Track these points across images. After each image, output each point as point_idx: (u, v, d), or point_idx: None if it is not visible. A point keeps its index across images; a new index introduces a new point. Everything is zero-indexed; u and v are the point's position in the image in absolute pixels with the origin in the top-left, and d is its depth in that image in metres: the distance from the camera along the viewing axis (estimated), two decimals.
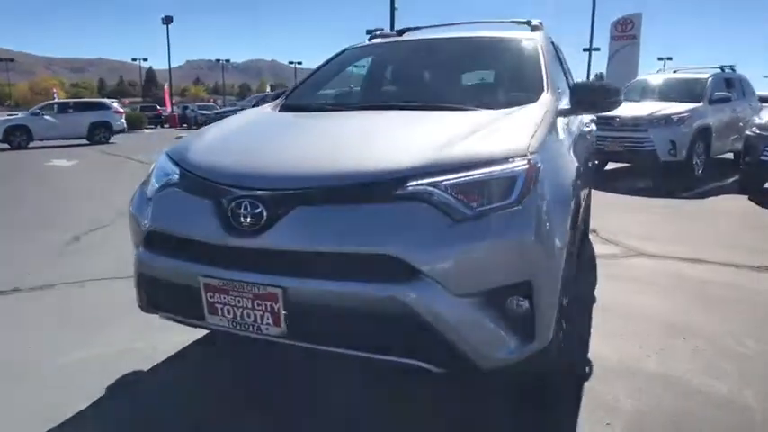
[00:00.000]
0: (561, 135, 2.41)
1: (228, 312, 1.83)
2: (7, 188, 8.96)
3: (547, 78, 2.68)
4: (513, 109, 2.33)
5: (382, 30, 3.72)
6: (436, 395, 2.29)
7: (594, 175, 5.29)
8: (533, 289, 1.71)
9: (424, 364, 1.72)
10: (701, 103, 8.39)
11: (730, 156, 9.88)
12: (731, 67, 10.03)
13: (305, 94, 3.20)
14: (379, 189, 1.73)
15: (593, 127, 4.35)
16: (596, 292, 3.48)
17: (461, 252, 1.66)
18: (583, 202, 3.01)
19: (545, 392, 2.31)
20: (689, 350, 2.70)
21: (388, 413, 2.19)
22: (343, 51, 3.53)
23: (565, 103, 2.65)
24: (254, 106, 6.39)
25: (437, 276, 1.62)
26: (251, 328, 1.81)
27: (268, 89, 56.82)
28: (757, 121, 7.16)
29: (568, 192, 1.99)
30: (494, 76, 2.90)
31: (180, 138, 21.81)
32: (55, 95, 45.16)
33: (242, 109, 20.18)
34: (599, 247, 4.57)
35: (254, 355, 2.68)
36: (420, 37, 3.47)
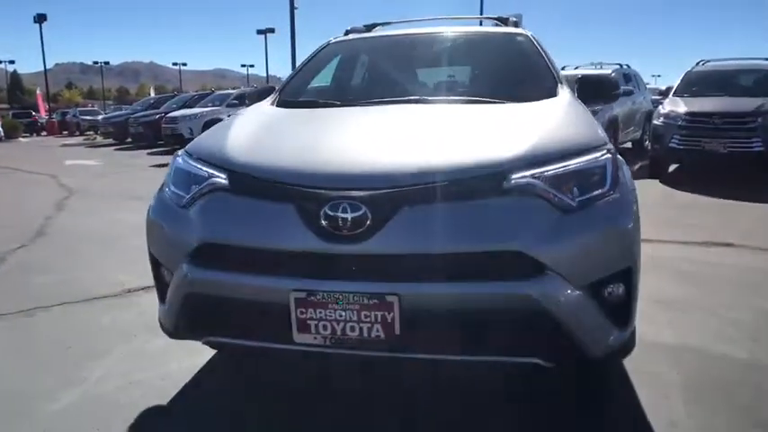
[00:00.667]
0: None
1: (325, 328, 1.64)
2: None
3: (556, 70, 2.74)
4: (548, 101, 2.34)
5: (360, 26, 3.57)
6: (502, 384, 2.25)
7: None
8: (632, 275, 1.73)
9: (538, 361, 1.68)
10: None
11: (628, 144, 10.86)
12: (627, 65, 11.03)
13: (301, 90, 3.00)
14: (488, 183, 1.66)
15: None
16: None
17: (578, 243, 1.63)
18: None
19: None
20: (691, 321, 2.90)
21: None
22: (327, 45, 3.36)
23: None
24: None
25: (560, 269, 1.58)
26: (355, 344, 1.64)
27: (152, 92, 53.58)
28: (662, 110, 7.90)
29: (632, 179, 2.04)
30: (504, 70, 2.89)
31: (67, 145, 20.11)
32: None
33: (136, 112, 18.83)
34: None
35: (269, 374, 2.46)
36: (419, 31, 3.39)
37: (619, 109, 9.21)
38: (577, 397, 2.23)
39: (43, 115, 34.06)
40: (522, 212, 1.63)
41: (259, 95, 3.10)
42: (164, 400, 2.26)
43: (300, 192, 1.69)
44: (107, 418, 2.13)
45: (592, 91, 2.71)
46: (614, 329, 1.73)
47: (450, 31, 3.35)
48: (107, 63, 75.16)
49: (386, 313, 1.59)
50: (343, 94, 2.96)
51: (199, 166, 1.96)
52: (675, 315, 2.99)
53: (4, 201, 7.86)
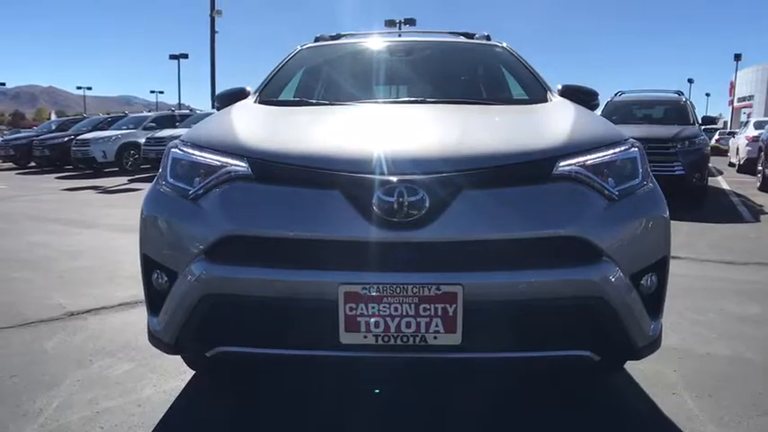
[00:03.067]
0: None
1: (377, 326, 1.49)
2: None
3: (540, 76, 2.81)
4: (549, 103, 2.38)
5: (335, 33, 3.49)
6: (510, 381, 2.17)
7: None
8: (666, 265, 1.75)
9: (590, 354, 1.61)
10: None
11: None
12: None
13: (273, 93, 2.84)
14: (540, 168, 1.62)
15: None
16: None
17: (627, 230, 1.63)
18: None
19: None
20: (669, 324, 3.00)
21: None
22: (297, 51, 3.24)
23: None
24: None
25: (614, 256, 1.56)
26: (411, 340, 1.50)
27: (53, 116, 50.18)
28: None
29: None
30: (492, 77, 2.93)
31: None
32: None
33: (40, 135, 17.30)
34: None
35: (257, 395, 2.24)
36: (396, 39, 3.37)
37: None
38: (589, 398, 2.21)
39: None
40: (574, 199, 1.60)
41: (232, 97, 2.89)
42: (147, 429, 1.96)
43: (350, 177, 1.55)
44: None
45: (574, 99, 2.77)
46: (651, 320, 1.72)
47: (428, 39, 3.37)
48: (3, 84, 69.24)
49: (447, 305, 1.48)
50: (331, 96, 2.84)
51: (205, 155, 1.76)
52: None
53: None
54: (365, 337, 1.51)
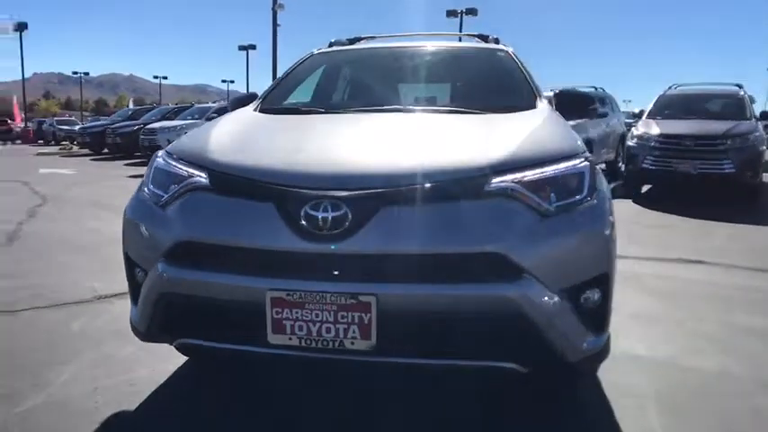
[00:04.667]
0: None
1: (301, 329, 1.63)
2: None
3: (534, 84, 2.81)
4: (527, 112, 2.40)
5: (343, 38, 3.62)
6: (462, 390, 2.24)
7: None
8: (608, 281, 1.77)
9: (515, 365, 1.68)
10: (582, 119, 9.30)
11: (602, 165, 11.11)
12: (602, 88, 11.32)
13: (280, 97, 3.01)
14: (469, 186, 1.68)
15: None
16: None
17: (555, 247, 1.66)
18: None
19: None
20: (663, 334, 2.95)
21: None
22: (310, 55, 3.39)
23: None
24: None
25: (537, 273, 1.61)
26: (331, 344, 1.63)
27: (131, 104, 53.06)
28: (636, 132, 8.11)
29: (608, 188, 2.09)
30: (484, 83, 2.96)
31: (42, 154, 19.73)
32: None
33: (114, 123, 18.58)
34: None
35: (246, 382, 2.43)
36: (402, 44, 3.47)
37: (594, 131, 9.41)
38: (551, 407, 2.25)
39: (18, 124, 33.45)
40: (501, 215, 1.66)
41: (241, 102, 3.09)
42: (129, 407, 2.20)
43: (282, 191, 1.69)
44: (67, 423, 2.07)
45: (569, 105, 2.77)
46: (590, 335, 1.75)
47: (432, 45, 3.43)
48: (87, 74, 74.15)
49: (363, 314, 1.58)
50: (326, 103, 2.98)
51: (179, 165, 1.95)
52: (647, 328, 3.03)
53: None
54: (290, 339, 1.65)
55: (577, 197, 1.76)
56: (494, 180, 1.70)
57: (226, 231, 1.71)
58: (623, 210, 7.06)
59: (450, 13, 32.72)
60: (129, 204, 2.05)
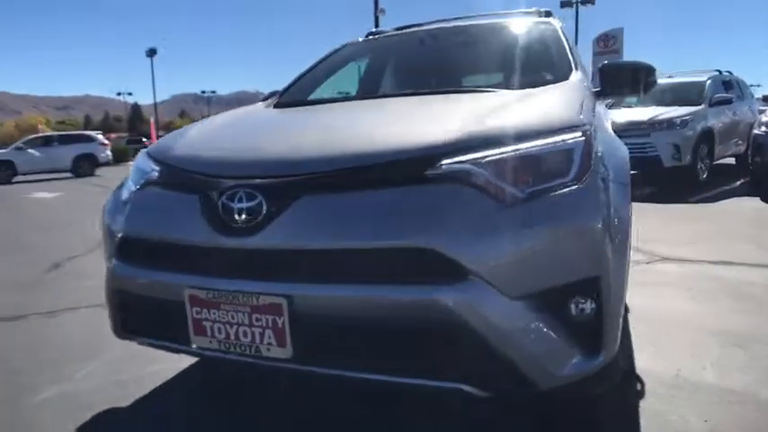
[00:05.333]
0: (604, 114, 2.13)
1: (220, 332, 1.48)
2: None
3: (574, 58, 2.42)
4: (547, 87, 2.05)
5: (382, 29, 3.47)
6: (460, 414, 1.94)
7: None
8: (601, 288, 1.38)
9: (467, 388, 1.36)
10: (701, 106, 8.19)
11: (731, 160, 9.71)
12: (728, 72, 9.91)
13: (301, 90, 2.90)
14: (407, 169, 1.41)
15: None
16: (628, 301, 3.15)
17: (514, 243, 1.32)
18: None
19: (598, 414, 1.97)
20: (746, 358, 2.38)
21: None
22: (343, 46, 3.27)
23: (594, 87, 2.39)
24: None
25: (487, 275, 1.29)
26: (248, 350, 1.45)
27: None
28: (765, 119, 6.97)
29: (627, 173, 1.69)
30: (516, 60, 2.63)
31: None
32: (41, 131, 44.85)
33: None
34: None
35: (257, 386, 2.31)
36: (427, 27, 3.23)
37: (714, 120, 8.26)
38: None
39: (154, 141, 37.45)
40: (444, 204, 1.35)
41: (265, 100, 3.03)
42: (130, 401, 2.20)
43: (203, 181, 1.57)
44: (72, 414, 2.10)
45: (616, 80, 2.34)
46: (575, 355, 1.38)
47: (467, 23, 3.15)
48: (213, 92, 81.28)
49: (276, 317, 1.39)
50: (341, 92, 2.84)
51: (148, 161, 1.90)
52: (737, 351, 2.47)
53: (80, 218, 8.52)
54: (210, 342, 1.51)
55: (559, 181, 1.40)
56: (444, 162, 1.40)
57: (157, 226, 1.64)
58: (748, 210, 6.06)
59: (565, 4, 31.16)
60: (107, 200, 2.03)
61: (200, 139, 1.96)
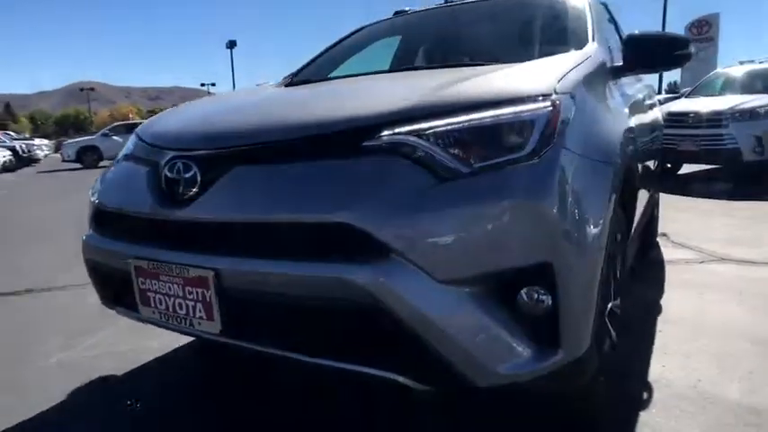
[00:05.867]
0: (610, 93, 1.91)
1: (161, 303, 1.48)
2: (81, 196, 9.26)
3: (593, 29, 2.18)
4: (546, 58, 1.87)
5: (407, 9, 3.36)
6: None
7: (663, 178, 4.66)
8: (555, 275, 1.21)
9: (401, 379, 1.25)
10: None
11: None
12: None
13: (318, 70, 2.85)
14: (338, 140, 1.33)
15: (659, 116, 3.70)
16: (663, 302, 2.86)
17: (447, 221, 1.19)
18: (643, 198, 2.55)
19: (587, 424, 1.77)
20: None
21: None
22: (364, 27, 3.20)
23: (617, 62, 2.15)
24: None
25: (412, 255, 1.17)
26: (184, 323, 1.45)
27: None
28: None
29: (612, 154, 1.48)
30: (531, 33, 2.44)
31: None
32: (131, 120, 48.12)
33: None
34: (669, 252, 3.89)
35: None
36: (452, 3, 3.10)
37: None
38: None
39: None
40: (372, 177, 1.25)
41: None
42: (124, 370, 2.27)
43: (156, 152, 1.60)
44: (70, 379, 2.19)
45: (643, 53, 2.08)
46: (522, 350, 1.23)
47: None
48: None
49: (204, 291, 1.36)
50: (336, 72, 2.76)
51: (133, 137, 1.95)
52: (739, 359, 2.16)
53: None
54: (153, 312, 1.51)
55: (513, 155, 1.24)
56: (384, 133, 1.29)
57: (118, 197, 1.68)
58: None
59: None
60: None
61: (180, 115, 1.98)
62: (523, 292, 1.23)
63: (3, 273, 4.06)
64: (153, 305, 1.50)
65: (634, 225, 2.19)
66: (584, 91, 1.54)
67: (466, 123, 1.28)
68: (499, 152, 1.25)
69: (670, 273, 3.38)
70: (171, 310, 1.46)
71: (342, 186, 1.25)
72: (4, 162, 16.52)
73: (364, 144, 1.29)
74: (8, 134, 25.22)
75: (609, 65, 2.07)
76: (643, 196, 2.60)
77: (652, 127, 3.00)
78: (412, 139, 1.27)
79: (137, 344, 2.50)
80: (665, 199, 5.16)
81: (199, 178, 1.41)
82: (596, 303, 1.34)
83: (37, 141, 25.88)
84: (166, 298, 1.46)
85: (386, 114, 1.33)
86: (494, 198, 1.19)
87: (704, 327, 2.50)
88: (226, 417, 1.89)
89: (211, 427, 1.85)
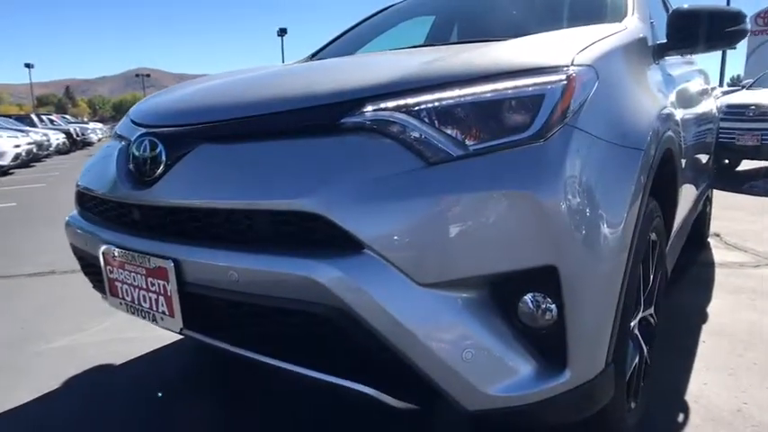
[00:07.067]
0: (649, 73, 1.68)
1: (128, 294, 1.36)
2: None
3: (633, 1, 1.94)
4: (569, 29, 1.67)
5: None
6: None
7: (720, 175, 4.29)
8: (561, 281, 1.01)
9: (376, 394, 1.09)
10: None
11: None
12: None
13: (334, 50, 2.71)
14: (312, 117, 1.16)
15: (713, 107, 3.36)
16: (709, 309, 2.59)
17: (432, 213, 1.00)
18: (693, 194, 2.37)
19: None
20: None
21: None
22: (392, 5, 3.04)
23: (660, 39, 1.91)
24: None
25: (387, 251, 0.99)
26: (148, 317, 1.33)
27: None
28: None
29: (644, 139, 1.26)
30: (563, 7, 2.21)
31: None
32: None
33: None
34: (721, 254, 3.56)
35: None
36: None
37: None
38: None
39: None
40: (349, 159, 1.08)
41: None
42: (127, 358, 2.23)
43: (131, 129, 1.49)
44: (73, 363, 2.18)
45: (687, 30, 1.83)
46: (520, 369, 1.04)
47: None
48: None
49: (165, 283, 1.23)
50: (361, 49, 2.59)
51: (126, 118, 1.85)
52: None
53: None
54: (121, 304, 1.40)
55: (515, 136, 1.04)
56: (368, 109, 1.12)
57: (97, 178, 1.55)
58: None
59: None
60: None
61: (169, 93, 1.86)
62: (524, 300, 1.05)
63: (34, 253, 4.13)
64: (120, 295, 1.39)
65: (676, 224, 1.95)
66: (615, 65, 1.33)
67: (462, 98, 1.09)
68: (499, 133, 1.06)
69: (720, 277, 3.08)
70: (136, 302, 1.34)
71: (311, 169, 1.08)
72: (58, 145, 17.15)
73: (342, 121, 1.12)
74: (65, 117, 26.26)
75: (651, 42, 1.84)
76: (690, 192, 2.35)
77: (703, 117, 2.70)
78: (398, 115, 1.09)
79: (145, 330, 2.45)
80: (720, 196, 4.77)
81: (164, 158, 1.28)
82: (617, 316, 1.14)
83: (91, 125, 26.91)
84: (132, 289, 1.33)
85: (369, 88, 1.16)
86: (487, 186, 1.00)
87: (754, 340, 2.23)
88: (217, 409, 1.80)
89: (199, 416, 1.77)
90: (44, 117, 21.71)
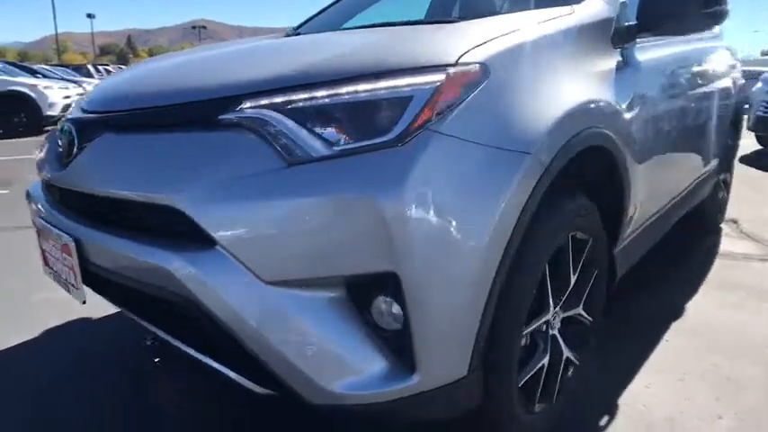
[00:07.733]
0: (596, 61, 1.56)
1: (53, 265, 1.53)
2: None
3: None
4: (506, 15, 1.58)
5: None
6: None
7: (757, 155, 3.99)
8: (402, 287, 1.03)
9: (241, 379, 1.18)
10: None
11: None
12: None
13: (327, 20, 2.68)
14: (197, 112, 1.21)
15: (730, 85, 3.09)
16: (689, 305, 2.46)
17: (278, 211, 1.03)
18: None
19: None
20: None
21: None
22: None
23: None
24: None
25: (233, 247, 1.04)
26: (66, 288, 1.49)
27: None
28: None
29: (533, 142, 1.17)
30: None
31: None
32: None
33: None
34: (730, 243, 3.35)
35: None
36: None
37: None
38: None
39: None
40: (216, 156, 1.12)
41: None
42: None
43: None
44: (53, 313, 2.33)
45: (659, 8, 1.69)
46: (364, 369, 1.08)
47: None
48: None
49: (71, 258, 1.37)
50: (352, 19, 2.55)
51: None
52: None
53: None
54: (50, 274, 1.56)
55: (376, 139, 1.04)
56: (247, 105, 1.14)
57: (43, 155, 1.68)
58: None
59: None
60: None
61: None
62: (376, 303, 1.07)
63: None
64: (50, 265, 1.54)
65: (636, 219, 1.85)
66: (523, 60, 1.25)
67: (335, 98, 1.09)
68: (364, 135, 1.06)
69: (717, 269, 2.91)
70: (58, 273, 1.49)
71: (184, 165, 1.14)
72: None
73: (220, 118, 1.15)
74: (120, 68, 27.07)
75: (621, 24, 1.70)
76: (667, 183, 2.22)
77: (702, 97, 2.50)
78: (270, 113, 1.10)
79: None
80: (755, 177, 4.45)
81: (76, 143, 1.42)
82: (484, 322, 1.13)
83: None
84: (55, 261, 1.48)
85: (249, 84, 1.18)
86: (334, 190, 1.01)
87: (725, 343, 2.11)
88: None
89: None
90: (101, 68, 22.47)
